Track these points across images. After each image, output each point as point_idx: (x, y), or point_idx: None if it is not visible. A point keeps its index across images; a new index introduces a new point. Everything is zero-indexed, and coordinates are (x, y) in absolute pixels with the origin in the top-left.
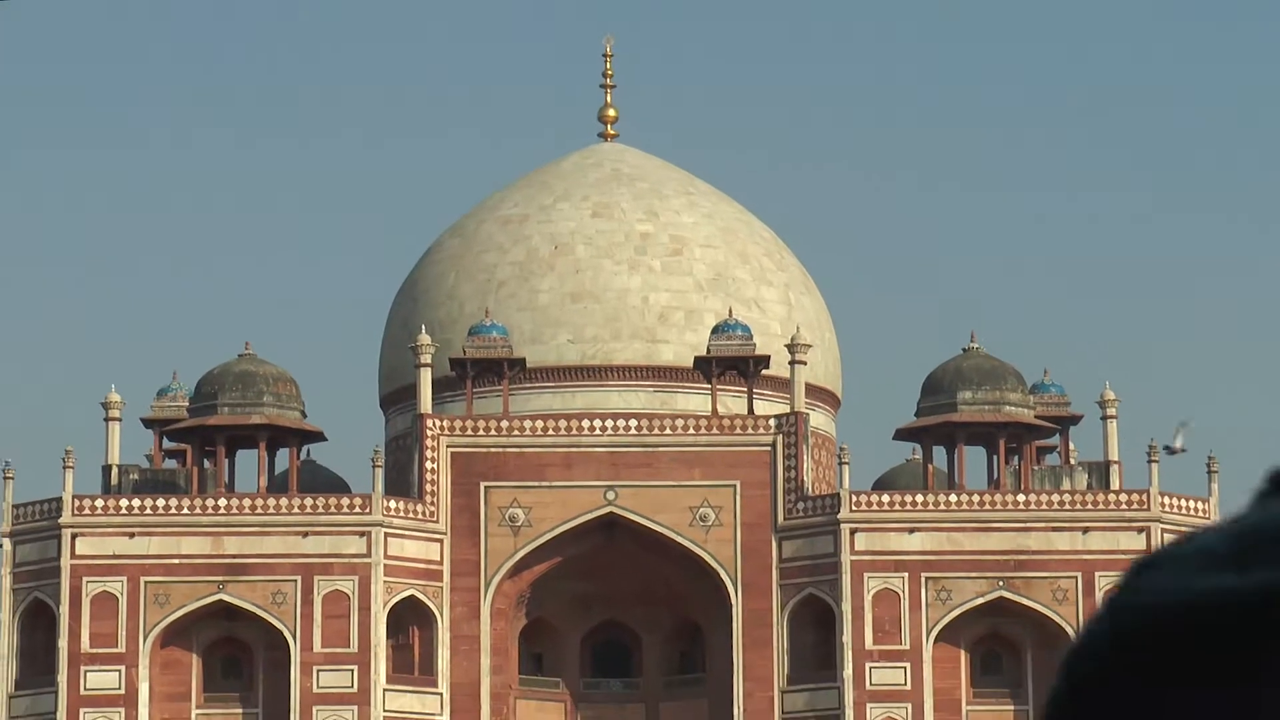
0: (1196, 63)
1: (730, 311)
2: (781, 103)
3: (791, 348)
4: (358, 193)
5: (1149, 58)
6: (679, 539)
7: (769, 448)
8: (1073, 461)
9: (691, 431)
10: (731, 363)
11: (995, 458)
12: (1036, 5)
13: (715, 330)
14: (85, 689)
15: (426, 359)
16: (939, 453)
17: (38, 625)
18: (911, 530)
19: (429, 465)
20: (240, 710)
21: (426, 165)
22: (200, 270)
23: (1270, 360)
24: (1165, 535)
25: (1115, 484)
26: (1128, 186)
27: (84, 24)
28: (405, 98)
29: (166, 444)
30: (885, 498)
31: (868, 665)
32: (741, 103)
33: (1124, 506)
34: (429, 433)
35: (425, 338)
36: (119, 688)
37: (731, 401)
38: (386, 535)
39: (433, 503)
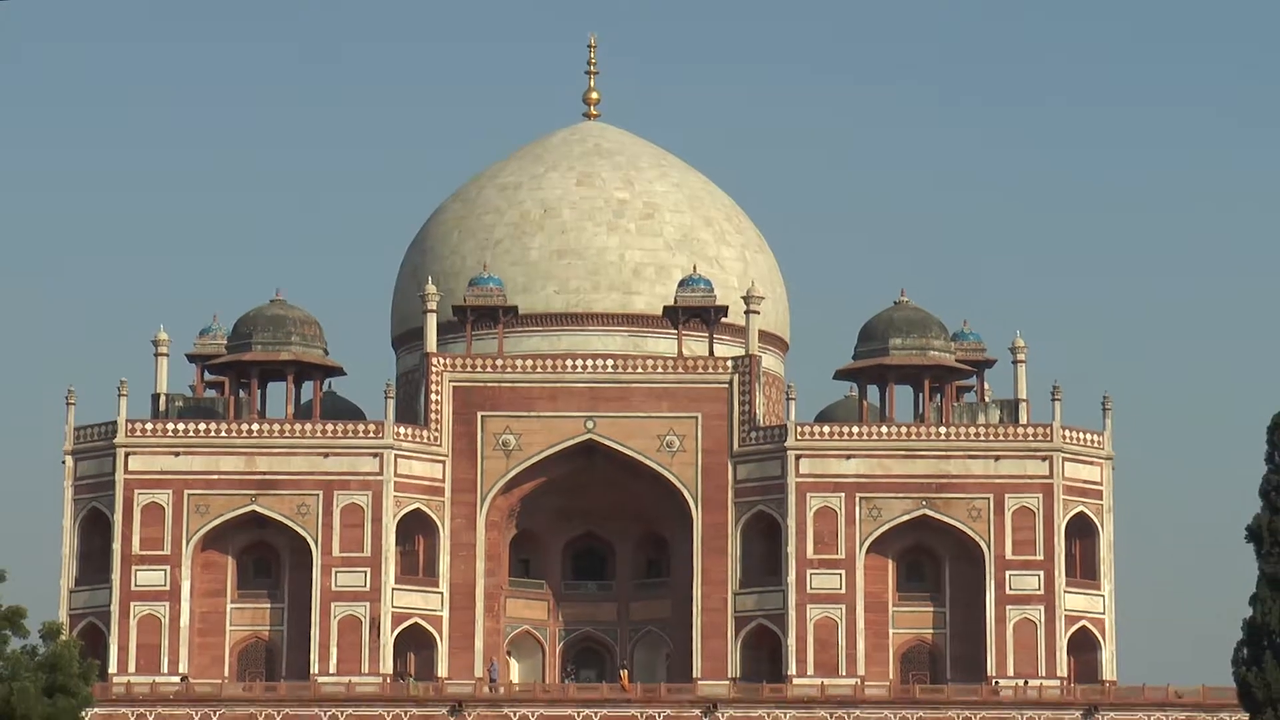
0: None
1: (694, 268)
2: (740, 88)
3: (746, 299)
4: (376, 161)
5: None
6: (648, 462)
7: (726, 385)
8: (987, 399)
9: (660, 370)
10: (695, 312)
11: (921, 395)
12: None
13: (681, 284)
14: (135, 585)
15: (433, 306)
16: (873, 391)
17: (95, 531)
18: (848, 457)
19: (434, 397)
20: (269, 605)
21: (435, 139)
22: (238, 225)
23: (1154, 309)
24: (1066, 463)
25: (1023, 419)
26: (1038, 160)
27: None
28: (420, 83)
29: (207, 376)
30: (826, 429)
31: (809, 572)
32: (706, 88)
33: (1030, 438)
34: (434, 369)
35: (432, 288)
36: (165, 584)
37: (695, 345)
38: (396, 457)
39: (436, 429)
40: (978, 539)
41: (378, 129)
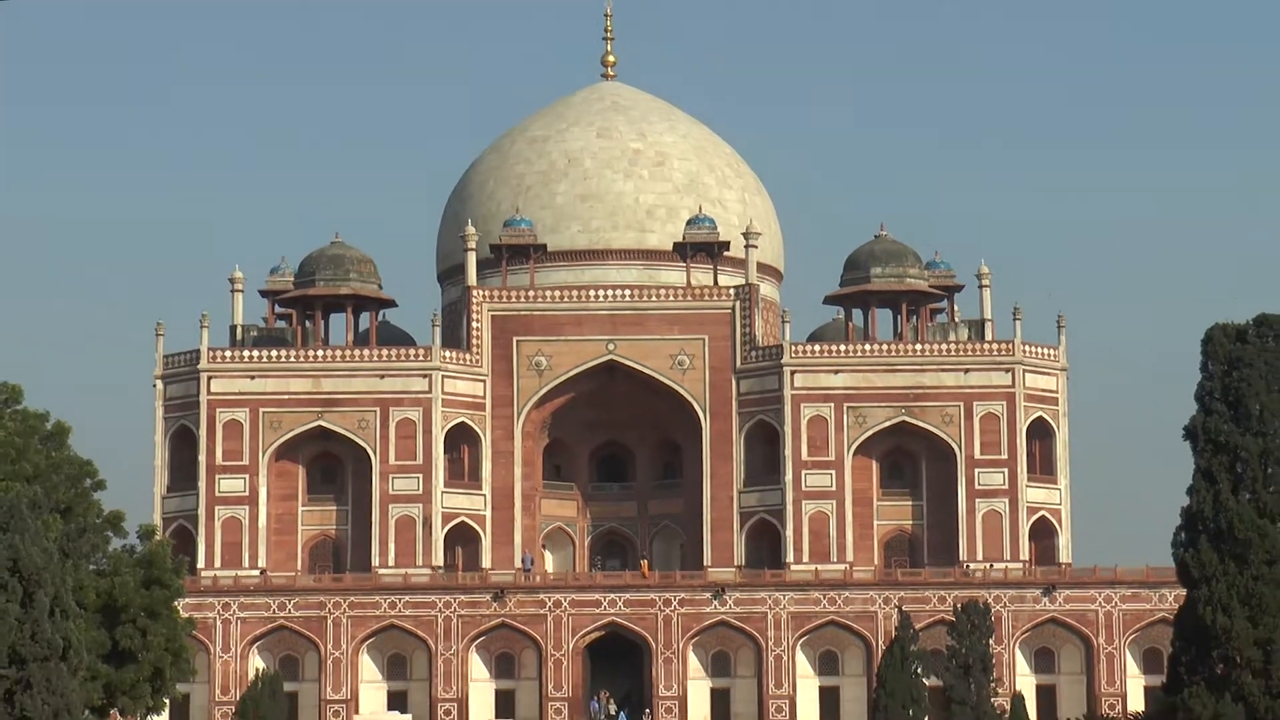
0: None
1: (700, 208)
2: (741, 50)
3: (746, 235)
4: (421, 120)
5: None
6: (662, 379)
7: (730, 310)
8: (956, 319)
9: (671, 299)
10: (701, 247)
11: (899, 317)
12: None
13: (689, 223)
14: (219, 492)
15: (472, 245)
16: (857, 314)
17: (183, 445)
18: (836, 371)
19: (474, 325)
20: (334, 508)
21: (472, 99)
22: (303, 175)
23: (1104, 235)
24: (1026, 374)
25: (988, 336)
26: (1000, 107)
27: None
28: (460, 49)
29: (277, 309)
30: (816, 347)
31: (803, 472)
32: (712, 50)
33: (994, 353)
34: (474, 300)
35: (471, 229)
36: (244, 491)
37: (701, 276)
38: (443, 377)
39: (477, 353)
40: (950, 441)
41: (423, 93)
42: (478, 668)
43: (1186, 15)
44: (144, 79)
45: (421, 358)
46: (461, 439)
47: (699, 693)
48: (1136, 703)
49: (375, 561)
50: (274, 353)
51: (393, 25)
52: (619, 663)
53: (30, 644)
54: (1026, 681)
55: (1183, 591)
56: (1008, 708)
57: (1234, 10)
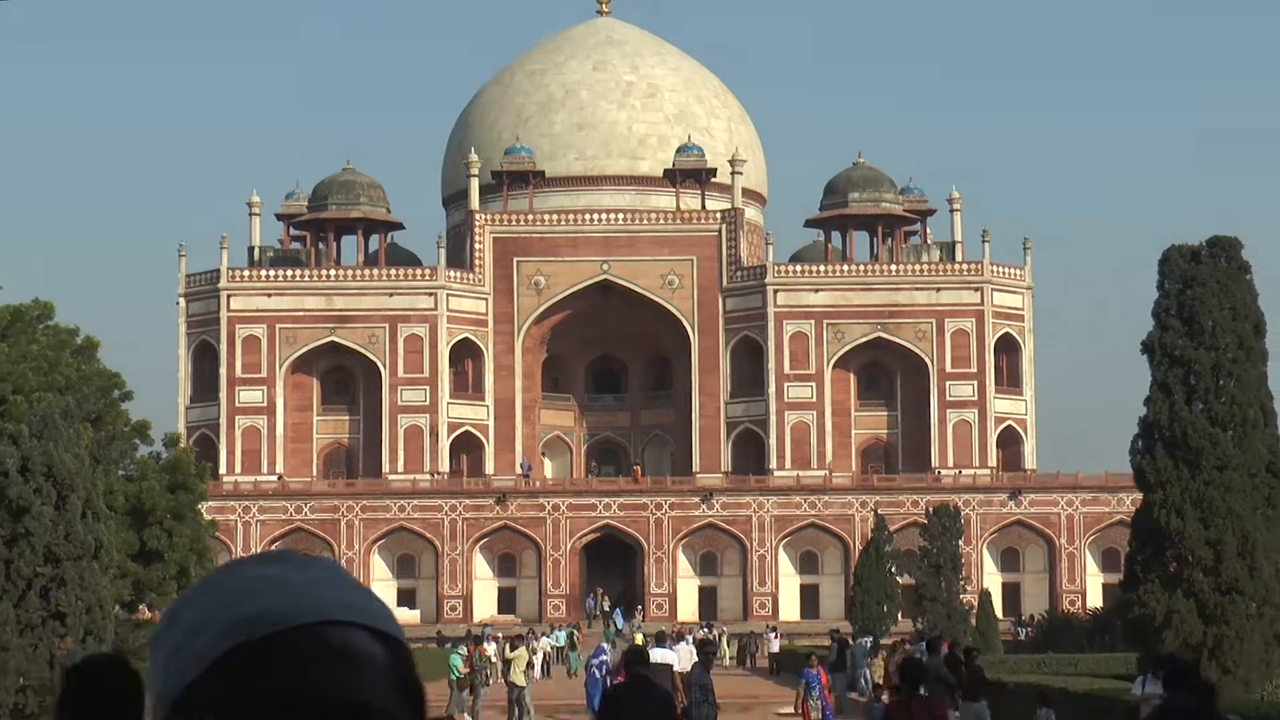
0: None
1: (689, 137)
2: None
3: (732, 163)
4: (427, 54)
5: None
6: (653, 297)
7: (716, 233)
8: (929, 241)
9: (662, 222)
10: (690, 173)
11: (875, 239)
12: None
13: (679, 150)
14: (238, 403)
15: (475, 171)
16: (836, 236)
17: (204, 359)
18: (816, 290)
19: (477, 246)
20: (346, 418)
21: (476, 33)
22: (316, 104)
23: (1071, 161)
24: (994, 293)
25: (958, 257)
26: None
27: None
28: None
29: (292, 232)
30: (798, 267)
31: (785, 385)
32: None
33: (964, 273)
34: (477, 223)
35: (474, 156)
36: (262, 402)
37: (690, 200)
38: (448, 295)
39: (480, 273)
40: (923, 355)
41: (429, 28)
42: (481, 567)
43: None
44: (167, 11)
45: (427, 277)
46: (465, 353)
47: (688, 590)
48: (1095, 599)
49: (385, 468)
50: (289, 272)
51: None
52: (613, 562)
53: (64, 544)
54: (993, 579)
55: (1139, 496)
56: (975, 604)
57: None
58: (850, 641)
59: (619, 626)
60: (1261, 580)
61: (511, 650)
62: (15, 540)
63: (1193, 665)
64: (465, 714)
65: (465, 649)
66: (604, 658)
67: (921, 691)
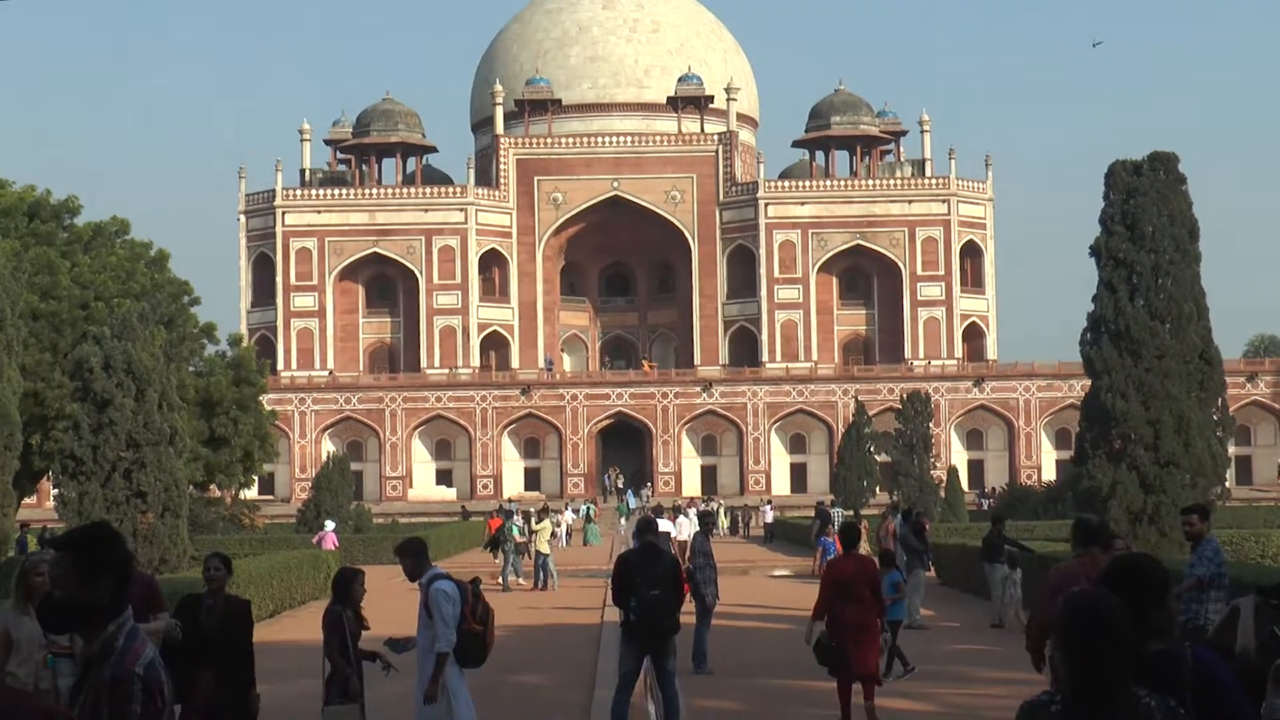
0: None
1: (689, 68)
2: None
3: (727, 90)
4: None
5: None
6: (658, 210)
7: (714, 153)
8: (901, 159)
9: (665, 144)
10: (690, 100)
11: (854, 158)
12: None
13: (680, 80)
14: (293, 307)
15: (499, 100)
16: (820, 155)
17: (262, 269)
18: (802, 203)
19: (502, 167)
20: (389, 319)
21: None
22: (361, 40)
23: (1030, 86)
24: (959, 205)
25: (928, 173)
26: None
27: None
28: None
29: (338, 155)
30: (786, 183)
31: (775, 287)
32: None
33: (933, 187)
34: (502, 147)
35: (499, 87)
36: (314, 306)
37: (690, 124)
38: (476, 211)
39: (504, 190)
40: (896, 260)
41: None
42: (509, 450)
43: None
44: None
45: (458, 195)
46: (492, 262)
47: (691, 469)
48: (1049, 473)
49: (423, 363)
50: (336, 192)
51: None
52: (625, 445)
53: (143, 431)
54: (960, 457)
55: (1088, 382)
56: (944, 479)
57: None
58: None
59: (630, 503)
60: (1195, 455)
61: (537, 523)
62: (101, 428)
63: (1100, 525)
64: (519, 577)
65: (519, 519)
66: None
67: (862, 550)
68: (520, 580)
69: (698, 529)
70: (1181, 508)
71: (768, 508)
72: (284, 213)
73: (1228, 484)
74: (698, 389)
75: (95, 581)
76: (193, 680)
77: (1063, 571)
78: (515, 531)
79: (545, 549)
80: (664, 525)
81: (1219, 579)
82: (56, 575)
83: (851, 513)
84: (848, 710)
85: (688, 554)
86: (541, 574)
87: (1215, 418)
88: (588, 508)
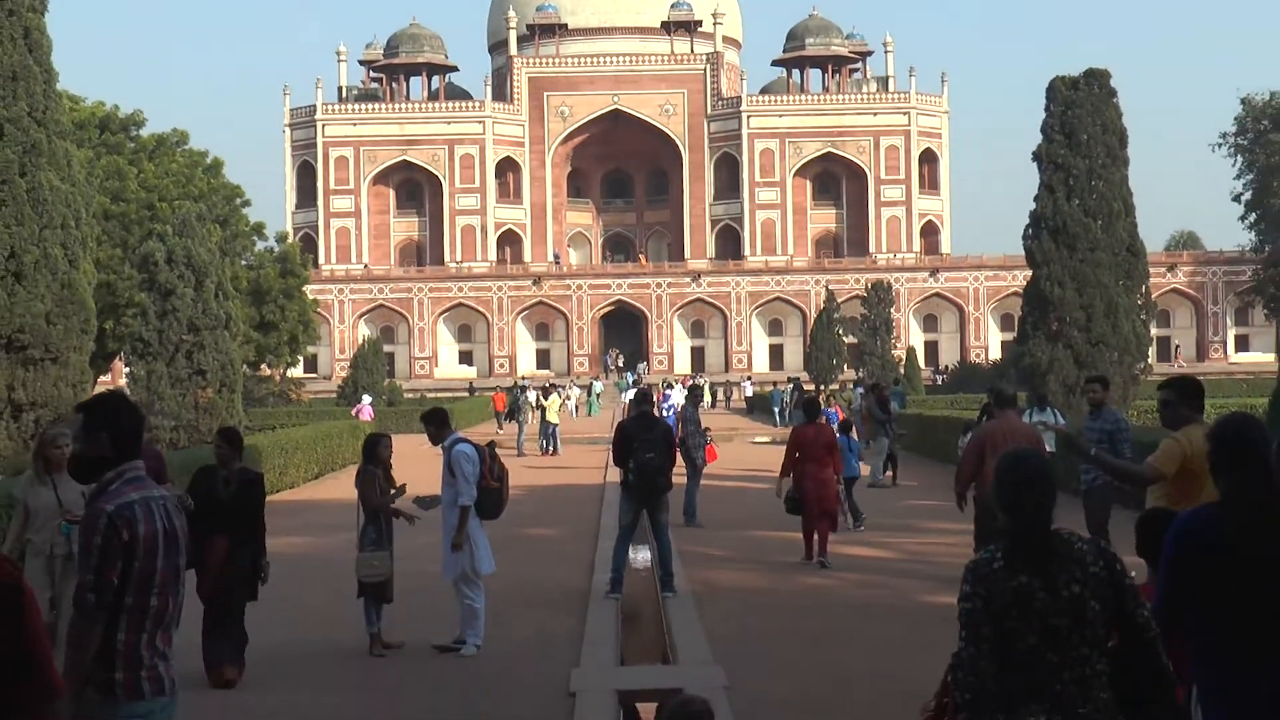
0: None
1: None
2: None
3: (714, 15)
4: None
5: None
6: (653, 122)
7: (702, 71)
8: (868, 76)
9: (659, 63)
10: (681, 24)
11: (826, 75)
12: None
13: (672, 6)
14: (332, 209)
15: (513, 25)
16: (796, 73)
17: (305, 175)
18: (780, 116)
19: (515, 84)
20: (416, 219)
21: None
22: None
23: (986, 7)
24: (918, 117)
25: (891, 88)
26: None
27: None
28: None
29: (371, 74)
30: (766, 98)
31: (756, 190)
32: None
33: (895, 101)
34: (515, 65)
35: (512, 13)
36: (351, 208)
37: (681, 46)
38: (493, 123)
39: (518, 104)
40: (863, 166)
41: None
42: (522, 333)
43: None
44: None
45: (477, 109)
46: (507, 168)
47: (682, 349)
48: (995, 353)
49: (446, 258)
50: (369, 106)
51: None
52: (624, 329)
53: (202, 317)
54: (917, 338)
55: (1029, 272)
56: (903, 357)
57: None
58: (803, 387)
59: (629, 379)
60: (1121, 335)
61: (546, 398)
62: (165, 315)
63: (1012, 394)
64: (556, 446)
65: (535, 393)
66: (672, 402)
67: (822, 420)
68: (528, 446)
69: (685, 400)
70: (1086, 378)
71: (748, 383)
72: (324, 125)
73: (1150, 361)
74: (687, 279)
75: (96, 436)
76: (207, 547)
77: (986, 431)
78: (532, 401)
79: (555, 419)
80: (675, 395)
81: (1122, 435)
82: (74, 435)
83: (814, 388)
84: (810, 548)
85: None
86: (548, 441)
87: (1139, 303)
88: (591, 384)
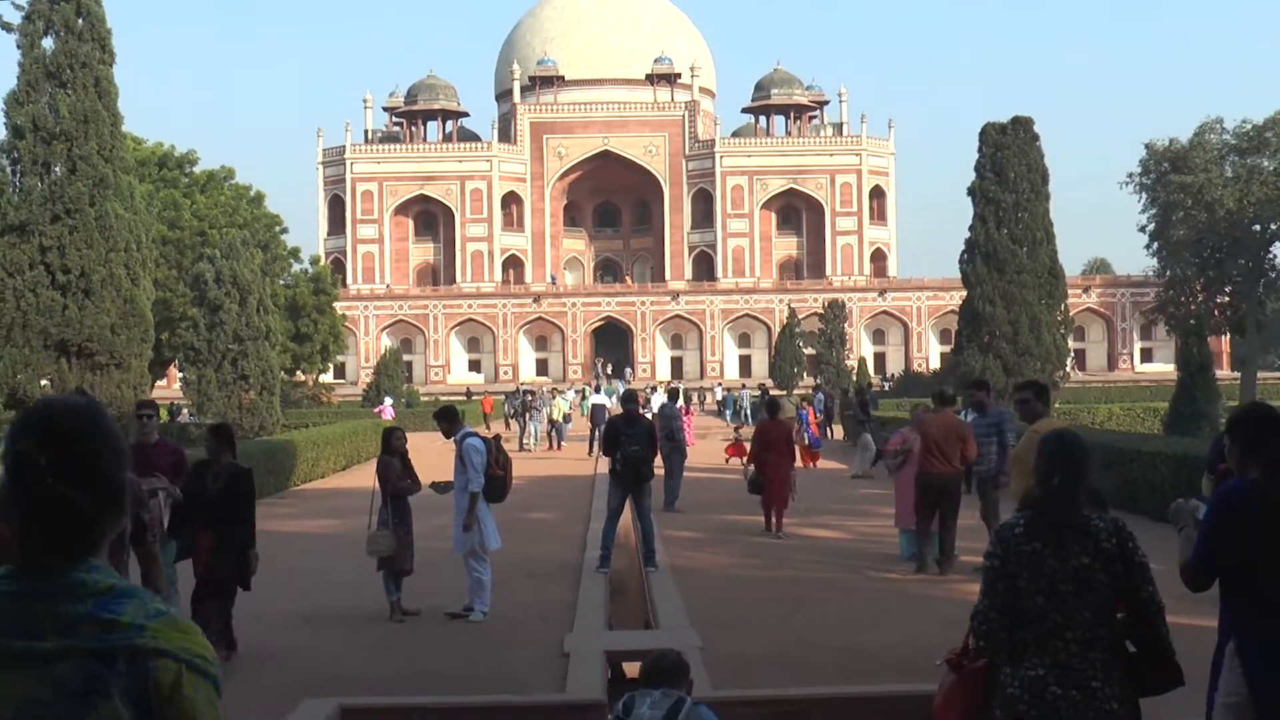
0: None
1: (663, 51)
2: None
3: (692, 69)
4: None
5: None
6: (638, 161)
7: (681, 117)
8: (825, 122)
9: (644, 110)
10: (663, 76)
11: (788, 120)
12: None
13: (655, 61)
14: (359, 236)
15: (517, 76)
16: (763, 119)
17: (335, 206)
18: (749, 156)
19: (518, 128)
20: (431, 245)
21: None
22: (410, 30)
23: (923, 64)
24: (868, 158)
25: (844, 133)
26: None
27: None
28: None
29: (393, 119)
30: (737, 140)
31: (728, 220)
32: None
33: (849, 144)
34: (519, 111)
35: (516, 66)
36: (375, 235)
37: (663, 95)
38: (499, 161)
39: (520, 145)
40: (820, 200)
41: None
42: (524, 345)
43: None
44: None
45: (485, 149)
46: (511, 201)
47: (663, 359)
48: (935, 362)
49: (458, 279)
50: (392, 147)
51: None
52: (613, 341)
53: (246, 329)
54: (868, 350)
55: (964, 292)
56: (855, 366)
57: None
58: (769, 393)
59: (616, 385)
60: (1044, 346)
61: (551, 400)
62: (213, 327)
63: (951, 395)
64: (534, 442)
65: (569, 396)
66: (653, 406)
67: (779, 417)
68: (536, 443)
69: (665, 402)
70: (970, 383)
71: (719, 388)
72: (352, 163)
73: (1068, 369)
74: (668, 298)
75: None
76: (195, 539)
77: (925, 420)
78: (565, 405)
79: (558, 417)
80: (599, 398)
81: (1007, 425)
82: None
83: (783, 392)
84: (769, 522)
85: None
86: (556, 437)
87: (1059, 319)
88: (584, 389)
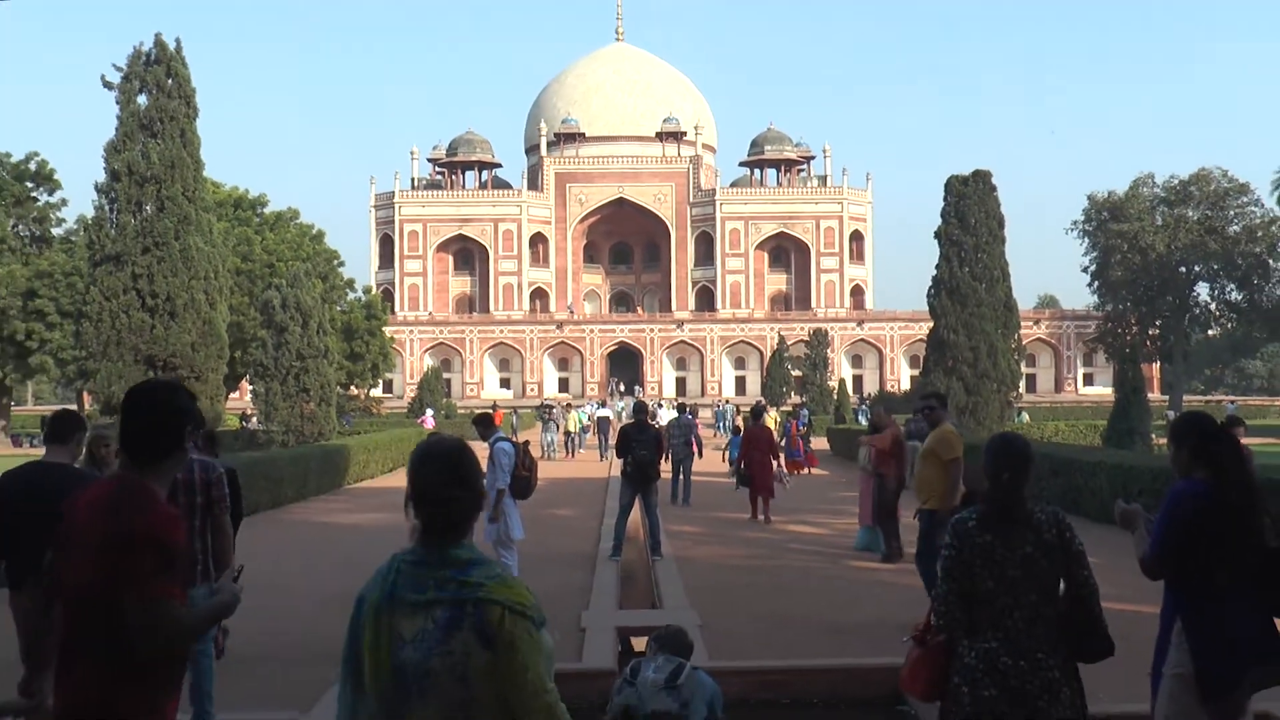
0: None
1: (670, 112)
2: (715, 16)
3: (695, 128)
4: (516, 58)
5: None
6: (649, 207)
7: (687, 170)
8: (811, 174)
9: (654, 163)
10: (671, 134)
11: (779, 173)
12: None
13: (664, 121)
14: (406, 271)
15: (544, 133)
16: (757, 171)
17: (385, 244)
18: (745, 204)
19: (545, 178)
20: (469, 277)
21: (541, 51)
22: (452, 94)
23: (900, 123)
24: (849, 205)
25: (829, 184)
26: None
27: None
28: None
29: (436, 169)
30: (735, 190)
31: (726, 259)
32: (690, 17)
33: (832, 194)
34: (545, 163)
35: (543, 124)
36: (420, 270)
37: (670, 150)
38: (528, 207)
39: (546, 193)
40: (808, 242)
41: (518, 50)
42: (548, 365)
43: None
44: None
45: (516, 196)
46: (538, 241)
47: (669, 379)
48: (906, 384)
49: (492, 308)
50: (435, 193)
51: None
52: (625, 363)
53: (307, 348)
54: (847, 373)
55: (931, 323)
56: (836, 387)
57: None
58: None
59: (628, 401)
60: (1000, 371)
61: (567, 414)
62: (279, 346)
63: (760, 408)
64: (554, 450)
65: (587, 412)
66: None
67: (763, 421)
68: (555, 452)
69: (674, 416)
70: (921, 394)
71: (724, 405)
72: (400, 206)
73: (1021, 391)
74: (674, 326)
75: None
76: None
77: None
78: (583, 418)
79: (573, 429)
80: (604, 411)
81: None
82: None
83: (766, 404)
84: (755, 510)
85: (665, 433)
86: (573, 445)
87: (1013, 347)
88: (600, 404)
